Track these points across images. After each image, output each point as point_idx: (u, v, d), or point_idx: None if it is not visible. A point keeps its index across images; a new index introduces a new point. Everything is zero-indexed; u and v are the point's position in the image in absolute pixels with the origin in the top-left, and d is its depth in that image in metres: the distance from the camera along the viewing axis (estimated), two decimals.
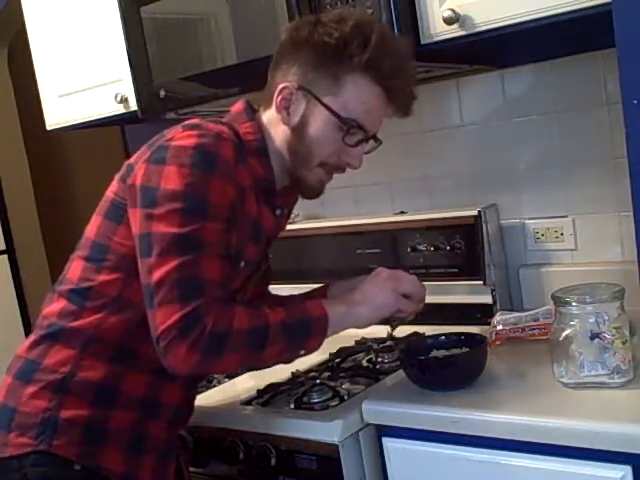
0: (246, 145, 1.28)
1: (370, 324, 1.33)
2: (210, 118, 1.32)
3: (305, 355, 1.29)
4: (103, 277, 1.25)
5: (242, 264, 1.28)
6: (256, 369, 1.51)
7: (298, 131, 1.28)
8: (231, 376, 1.76)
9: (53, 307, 1.29)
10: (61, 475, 1.23)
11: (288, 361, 1.36)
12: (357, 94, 1.25)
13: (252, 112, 1.33)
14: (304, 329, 1.24)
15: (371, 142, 1.33)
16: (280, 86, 1.28)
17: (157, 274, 1.14)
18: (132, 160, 1.28)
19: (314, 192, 1.35)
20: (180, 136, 1.22)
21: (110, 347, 1.25)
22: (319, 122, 1.26)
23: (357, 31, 1.23)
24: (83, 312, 1.25)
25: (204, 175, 1.18)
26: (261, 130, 1.31)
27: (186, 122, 1.27)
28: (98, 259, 1.26)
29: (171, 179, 1.17)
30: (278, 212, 1.37)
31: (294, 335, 1.23)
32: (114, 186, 1.29)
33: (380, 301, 1.30)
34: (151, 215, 1.17)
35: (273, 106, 1.30)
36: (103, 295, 1.24)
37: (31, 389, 1.24)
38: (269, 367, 1.42)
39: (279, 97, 1.28)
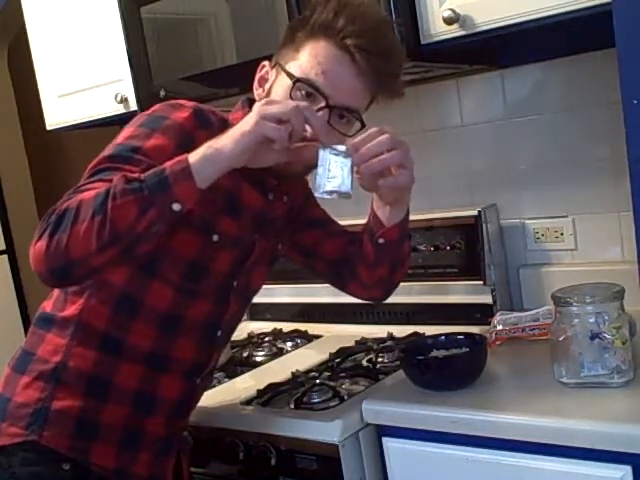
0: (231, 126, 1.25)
1: (242, 157, 1.13)
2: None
3: (183, 210, 1.10)
4: None
5: (215, 237, 1.25)
6: (136, 243, 1.13)
7: None
8: (231, 376, 1.76)
9: (50, 299, 1.31)
10: (50, 475, 1.22)
11: (167, 220, 1.11)
12: (313, 55, 1.21)
13: (248, 104, 1.32)
14: (159, 176, 1.09)
15: (357, 125, 1.27)
16: (260, 65, 1.30)
17: None
18: None
19: (282, 169, 1.25)
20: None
21: (97, 335, 1.24)
22: (279, 88, 1.24)
23: (324, 2, 1.22)
24: (69, 298, 1.26)
25: (146, 130, 1.21)
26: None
27: None
28: None
29: (119, 137, 1.22)
30: (270, 196, 1.33)
31: (146, 184, 1.09)
32: None
33: (241, 129, 1.12)
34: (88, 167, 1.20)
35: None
36: None
37: (25, 379, 1.25)
38: (144, 237, 1.11)
39: (258, 75, 1.30)
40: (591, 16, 1.27)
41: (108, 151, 1.20)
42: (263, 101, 1.17)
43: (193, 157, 1.11)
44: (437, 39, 1.44)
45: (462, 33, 1.41)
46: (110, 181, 1.11)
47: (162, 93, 1.78)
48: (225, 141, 1.12)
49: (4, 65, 3.60)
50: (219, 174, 1.13)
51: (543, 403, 1.25)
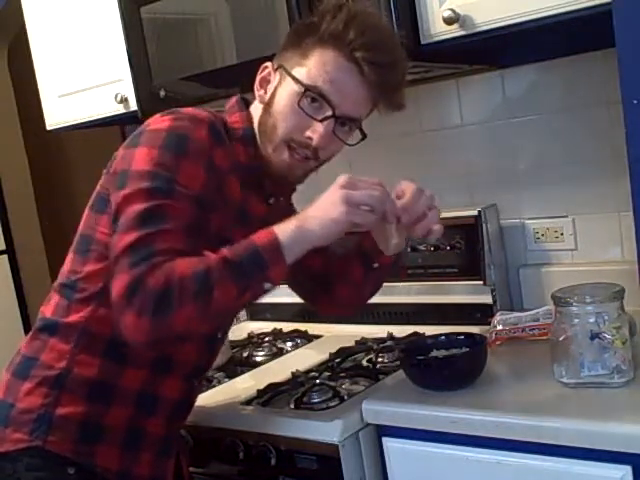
0: (231, 132, 1.28)
1: (329, 240, 1.18)
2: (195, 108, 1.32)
3: (273, 288, 1.17)
4: (89, 268, 1.25)
5: None
6: (231, 316, 1.29)
7: (268, 106, 1.27)
8: (231, 376, 1.76)
9: (49, 303, 1.30)
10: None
11: (257, 297, 1.20)
12: (322, 63, 1.21)
13: (244, 105, 1.33)
14: (255, 261, 1.13)
15: (357, 134, 1.29)
16: (262, 66, 1.29)
17: (117, 248, 1.13)
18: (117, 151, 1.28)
19: (281, 175, 1.28)
20: (155, 121, 1.23)
21: (102, 341, 1.24)
22: (284, 92, 1.24)
23: (333, 9, 1.22)
24: (73, 306, 1.25)
25: (173, 156, 1.18)
26: (250, 120, 1.30)
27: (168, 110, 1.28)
28: (84, 250, 1.26)
29: (141, 160, 1.18)
30: (271, 200, 1.34)
31: (244, 269, 1.12)
32: (101, 179, 1.29)
33: (331, 215, 1.15)
34: (122, 196, 1.17)
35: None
36: (90, 286, 1.24)
37: (28, 385, 1.24)
38: (239, 309, 1.24)
39: (260, 76, 1.29)
40: (591, 16, 1.27)
41: (143, 182, 1.16)
42: (343, 181, 1.17)
43: (283, 236, 1.14)
44: (437, 39, 1.44)
45: (462, 33, 1.41)
46: (170, 235, 1.13)
47: (162, 93, 1.78)
48: (314, 224, 1.15)
49: (4, 65, 3.60)
50: (304, 253, 1.17)
51: (543, 403, 1.25)
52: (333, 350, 1.78)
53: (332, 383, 1.56)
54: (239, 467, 1.50)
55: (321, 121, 1.23)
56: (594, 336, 1.23)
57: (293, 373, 1.65)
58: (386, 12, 1.41)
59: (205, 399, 1.57)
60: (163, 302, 1.09)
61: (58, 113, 2.15)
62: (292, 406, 1.48)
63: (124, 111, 1.95)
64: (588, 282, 1.32)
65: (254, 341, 2.05)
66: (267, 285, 1.15)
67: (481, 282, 1.78)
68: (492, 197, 1.85)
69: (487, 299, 1.78)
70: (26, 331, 3.39)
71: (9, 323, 3.34)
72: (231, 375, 1.76)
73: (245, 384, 1.69)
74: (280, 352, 1.91)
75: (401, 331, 1.83)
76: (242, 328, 2.15)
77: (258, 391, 1.58)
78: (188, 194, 1.17)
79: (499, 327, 1.59)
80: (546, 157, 1.78)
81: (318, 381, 1.57)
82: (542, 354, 1.37)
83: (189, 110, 1.26)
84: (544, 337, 1.47)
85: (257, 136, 1.29)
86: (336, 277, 1.45)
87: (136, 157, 1.19)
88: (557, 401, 1.24)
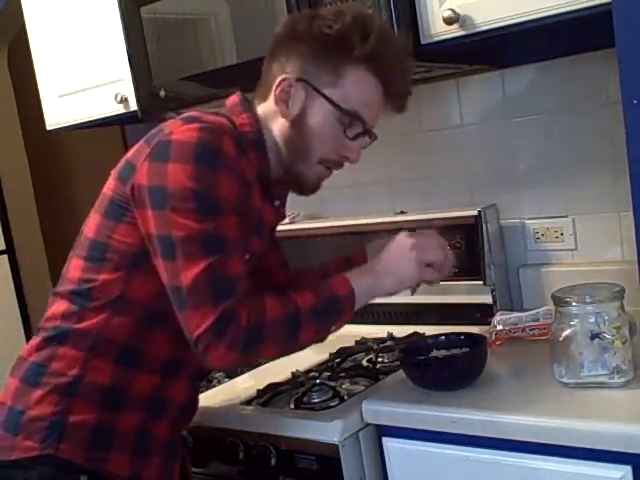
0: (242, 135, 1.27)
1: (395, 294, 1.34)
2: (207, 109, 1.31)
3: (335, 331, 1.30)
4: (105, 276, 1.23)
5: (247, 257, 1.26)
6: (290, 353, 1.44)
7: (298, 124, 1.26)
8: (231, 376, 1.76)
9: (55, 309, 1.27)
10: None
11: (320, 340, 1.34)
12: (358, 86, 1.24)
13: (248, 104, 1.32)
14: (334, 309, 1.25)
15: (366, 137, 1.32)
16: (279, 78, 1.27)
17: (187, 277, 1.13)
18: (130, 156, 1.25)
19: (311, 188, 1.34)
20: (180, 130, 1.19)
21: (115, 348, 1.23)
22: (319, 114, 1.25)
23: (357, 24, 1.23)
24: (86, 313, 1.24)
25: (209, 172, 1.16)
26: (257, 122, 1.29)
27: (184, 115, 1.26)
28: (98, 258, 1.24)
29: (178, 178, 1.15)
30: (277, 203, 1.35)
31: (325, 316, 1.24)
32: (111, 183, 1.26)
33: (404, 274, 1.31)
34: (166, 216, 1.15)
35: (271, 98, 1.28)
36: (106, 295, 1.23)
37: (39, 392, 1.22)
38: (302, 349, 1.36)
39: (278, 89, 1.27)
40: (591, 16, 1.27)
41: (187, 201, 1.15)
42: (414, 242, 1.31)
43: (358, 287, 1.27)
44: (437, 39, 1.44)
45: (462, 33, 1.41)
46: (235, 259, 1.17)
47: (162, 93, 1.78)
48: (389, 280, 1.30)
49: (4, 65, 3.60)
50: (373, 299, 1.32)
51: (543, 403, 1.25)
52: (333, 350, 1.78)
53: (332, 383, 1.56)
54: (239, 467, 1.50)
55: (354, 139, 1.28)
56: (594, 336, 1.23)
57: (293, 373, 1.65)
58: (386, 12, 1.41)
59: (205, 399, 1.57)
60: (254, 338, 1.15)
61: (58, 113, 2.15)
62: (292, 406, 1.48)
63: (124, 111, 1.95)
64: (588, 282, 1.32)
65: None
66: (333, 328, 1.27)
67: (481, 282, 1.78)
68: (492, 197, 1.85)
69: (487, 299, 1.78)
70: (26, 331, 3.39)
71: (9, 323, 3.35)
72: (231, 375, 1.76)
73: (245, 384, 1.69)
74: None
75: (401, 331, 1.83)
76: None
77: (258, 391, 1.58)
78: (231, 209, 1.18)
79: (499, 327, 1.59)
80: (546, 157, 1.78)
81: (318, 381, 1.57)
82: (542, 354, 1.37)
83: (208, 118, 1.23)
84: (544, 337, 1.47)
85: (282, 150, 1.29)
86: None
87: (170, 174, 1.16)
88: (557, 401, 1.24)
